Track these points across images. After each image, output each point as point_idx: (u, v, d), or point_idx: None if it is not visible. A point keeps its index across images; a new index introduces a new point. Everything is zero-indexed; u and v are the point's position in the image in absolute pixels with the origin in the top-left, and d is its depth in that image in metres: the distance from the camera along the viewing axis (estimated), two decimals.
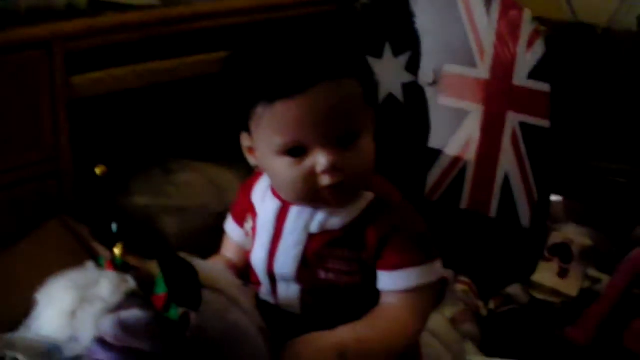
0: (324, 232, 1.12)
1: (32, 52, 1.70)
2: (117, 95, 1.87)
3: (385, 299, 1.13)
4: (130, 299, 0.92)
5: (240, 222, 1.24)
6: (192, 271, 0.92)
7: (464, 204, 2.26)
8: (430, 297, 1.15)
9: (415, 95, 2.29)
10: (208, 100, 2.10)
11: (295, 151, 1.08)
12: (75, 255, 1.59)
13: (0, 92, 1.67)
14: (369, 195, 1.13)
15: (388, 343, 1.11)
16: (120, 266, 0.95)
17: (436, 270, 1.14)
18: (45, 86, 1.73)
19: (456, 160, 2.25)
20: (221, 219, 2.02)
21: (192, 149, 2.15)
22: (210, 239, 1.93)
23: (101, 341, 0.88)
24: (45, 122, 1.75)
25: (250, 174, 2.06)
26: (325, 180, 1.08)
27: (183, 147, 2.15)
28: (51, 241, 1.65)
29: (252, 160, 1.17)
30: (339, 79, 1.06)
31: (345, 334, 1.09)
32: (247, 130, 1.13)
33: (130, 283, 0.93)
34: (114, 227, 0.96)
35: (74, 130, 1.79)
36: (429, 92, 2.27)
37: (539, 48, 2.05)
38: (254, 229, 1.19)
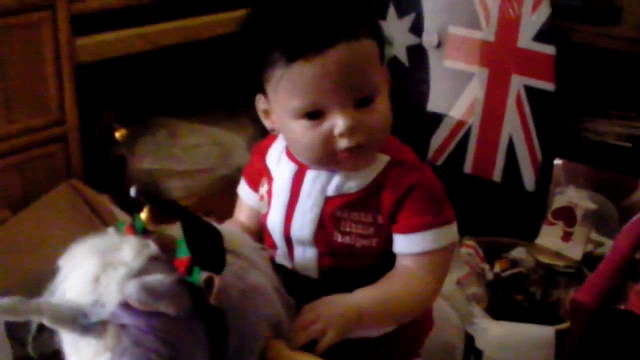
0: (340, 195, 1.12)
1: (36, 14, 1.68)
2: (124, 57, 1.85)
3: (401, 262, 1.13)
4: (153, 264, 0.91)
5: (254, 185, 1.24)
6: (216, 234, 0.92)
7: (467, 168, 2.26)
8: (446, 258, 1.15)
9: (419, 58, 2.27)
10: (214, 62, 2.09)
11: (313, 114, 1.07)
12: (85, 218, 1.59)
13: (5, 55, 1.66)
14: (384, 158, 1.13)
15: (406, 303, 1.12)
16: (140, 231, 0.95)
17: (452, 232, 1.13)
18: (50, 48, 1.71)
19: (460, 123, 2.25)
20: (227, 181, 2.03)
21: (198, 112, 2.14)
22: (216, 202, 1.93)
23: (126, 306, 0.88)
24: (50, 86, 1.73)
25: (255, 136, 2.06)
26: (343, 143, 1.07)
27: (189, 110, 2.14)
28: (60, 205, 1.65)
29: (268, 123, 1.16)
30: (357, 40, 1.05)
31: (363, 295, 1.09)
32: (263, 92, 1.12)
33: (152, 247, 0.92)
34: (133, 191, 0.94)
35: (80, 94, 1.77)
36: (434, 54, 2.25)
37: (544, 10, 2.04)
38: (269, 192, 1.18)
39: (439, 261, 1.14)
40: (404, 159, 1.14)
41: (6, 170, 1.71)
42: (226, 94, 2.08)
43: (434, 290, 1.15)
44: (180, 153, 1.98)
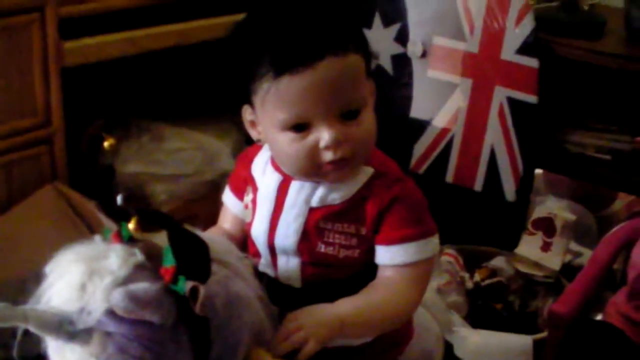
0: (324, 206, 1.13)
1: (25, 16, 1.69)
2: (110, 61, 1.85)
3: (383, 273, 1.15)
4: (138, 272, 0.92)
5: (239, 194, 1.25)
6: (202, 244, 0.93)
7: (449, 177, 2.28)
8: (427, 270, 1.17)
9: (404, 67, 2.29)
10: (200, 67, 2.10)
11: (299, 127, 1.08)
12: (69, 221, 1.60)
13: None
14: (368, 170, 1.14)
15: (387, 314, 1.14)
16: (127, 239, 0.96)
17: (433, 245, 1.15)
18: (37, 51, 1.71)
19: (443, 133, 2.26)
20: (211, 186, 2.04)
21: (182, 117, 2.15)
22: (200, 207, 1.94)
23: (111, 313, 0.89)
24: (36, 88, 1.74)
25: (239, 142, 2.06)
26: (328, 155, 1.08)
27: (174, 115, 2.14)
28: (44, 208, 1.65)
29: (254, 134, 1.17)
30: (344, 54, 1.07)
31: (345, 305, 1.11)
32: (250, 103, 1.13)
33: (138, 256, 0.94)
34: (119, 199, 0.96)
35: (67, 98, 1.78)
36: (418, 64, 2.27)
37: (528, 23, 2.06)
38: (254, 201, 1.19)
39: (420, 273, 1.15)
40: (388, 172, 1.16)
41: None
42: (211, 100, 2.09)
43: (415, 302, 1.17)
44: (164, 157, 1.99)
